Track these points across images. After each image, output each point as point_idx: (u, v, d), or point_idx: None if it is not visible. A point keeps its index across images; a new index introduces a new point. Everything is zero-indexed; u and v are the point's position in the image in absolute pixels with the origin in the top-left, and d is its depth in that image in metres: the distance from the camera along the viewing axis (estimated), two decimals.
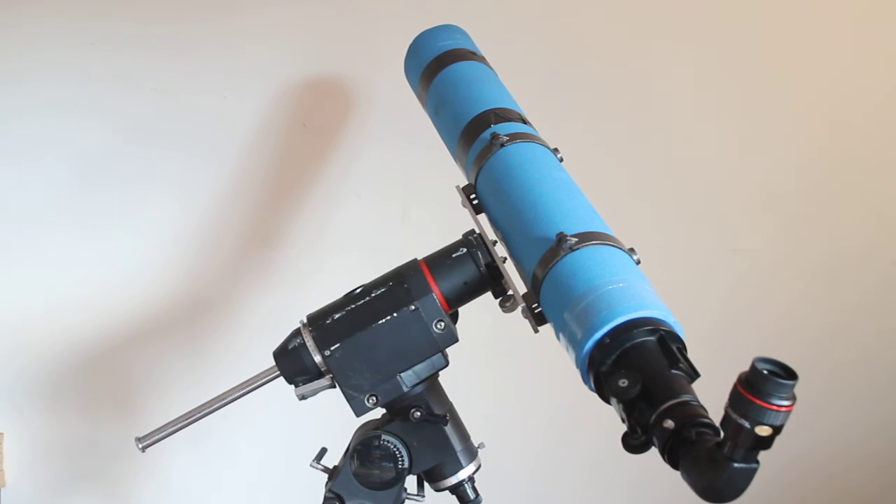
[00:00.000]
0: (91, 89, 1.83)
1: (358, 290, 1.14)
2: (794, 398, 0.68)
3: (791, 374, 0.67)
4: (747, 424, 0.68)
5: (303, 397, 1.14)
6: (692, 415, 0.76)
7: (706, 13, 1.93)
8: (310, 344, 1.12)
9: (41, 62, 1.81)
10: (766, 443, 0.69)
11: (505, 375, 1.95)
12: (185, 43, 1.84)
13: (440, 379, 1.18)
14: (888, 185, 1.98)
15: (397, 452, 1.11)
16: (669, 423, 0.76)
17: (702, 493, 0.74)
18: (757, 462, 0.71)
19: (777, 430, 0.68)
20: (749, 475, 0.71)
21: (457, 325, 1.16)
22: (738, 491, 0.72)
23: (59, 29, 1.81)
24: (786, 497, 1.97)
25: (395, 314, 1.10)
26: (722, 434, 0.71)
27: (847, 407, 2.00)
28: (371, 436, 1.11)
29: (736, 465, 0.70)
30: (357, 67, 1.88)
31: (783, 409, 0.67)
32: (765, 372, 0.67)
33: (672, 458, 0.76)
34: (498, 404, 1.94)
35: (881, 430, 2.01)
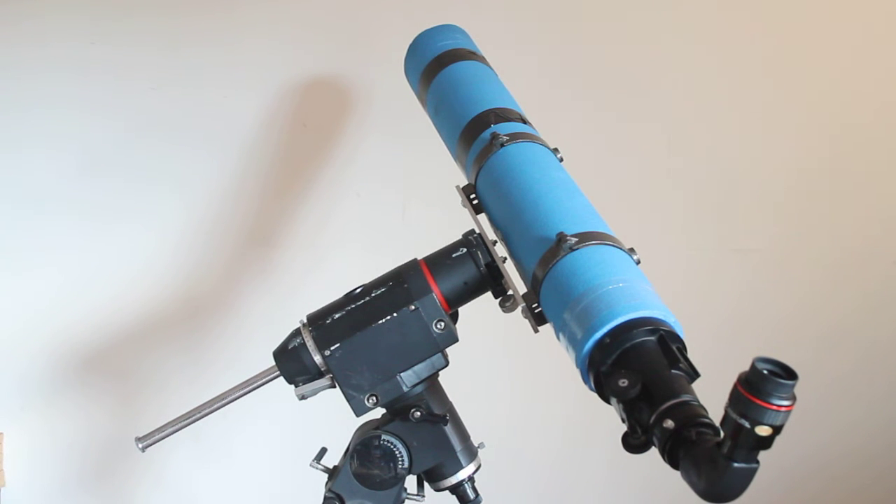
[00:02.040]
0: (91, 86, 1.83)
1: (358, 290, 1.14)
2: (794, 398, 0.67)
3: (791, 374, 0.67)
4: (747, 424, 0.68)
5: (303, 397, 1.14)
6: (692, 415, 0.76)
7: (709, 13, 1.92)
8: (310, 344, 1.12)
9: (43, 56, 1.81)
10: (766, 443, 0.69)
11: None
12: (186, 41, 1.85)
13: (442, 379, 1.17)
14: (890, 185, 1.98)
15: (397, 452, 1.11)
16: (669, 423, 0.76)
17: (702, 493, 0.74)
18: (757, 462, 0.71)
19: (777, 430, 0.68)
20: (749, 475, 0.71)
21: (465, 326, 1.16)
22: (738, 491, 0.72)
23: (60, 24, 1.82)
24: (788, 499, 1.97)
25: (395, 314, 1.10)
26: (722, 434, 0.71)
27: (850, 408, 1.99)
28: (371, 436, 1.11)
29: (736, 465, 0.70)
30: (357, 67, 1.88)
31: (783, 408, 0.67)
32: (765, 372, 0.67)
33: (672, 458, 0.76)
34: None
35: (885, 430, 2.01)
